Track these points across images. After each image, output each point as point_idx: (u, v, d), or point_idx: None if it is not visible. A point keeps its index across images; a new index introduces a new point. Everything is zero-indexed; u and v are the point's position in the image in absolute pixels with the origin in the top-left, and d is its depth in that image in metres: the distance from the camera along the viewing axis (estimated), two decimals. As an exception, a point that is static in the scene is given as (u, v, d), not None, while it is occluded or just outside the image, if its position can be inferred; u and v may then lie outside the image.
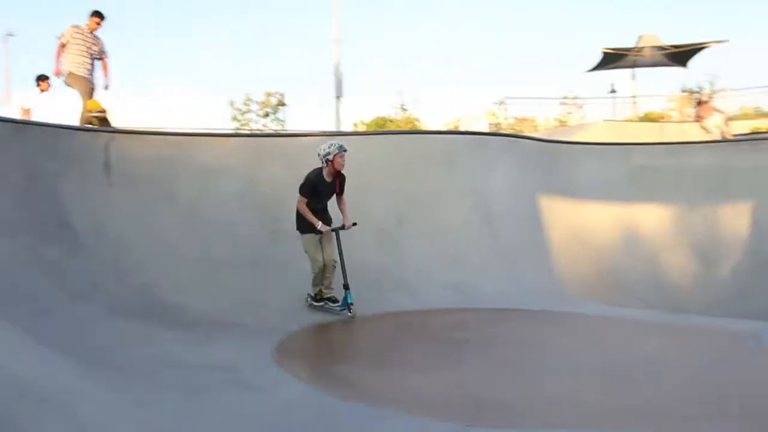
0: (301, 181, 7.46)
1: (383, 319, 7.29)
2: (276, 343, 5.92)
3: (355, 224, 7.50)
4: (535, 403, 4.40)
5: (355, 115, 43.75)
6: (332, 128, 20.30)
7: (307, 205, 7.32)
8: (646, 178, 12.04)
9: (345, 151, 7.31)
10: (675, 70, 33.05)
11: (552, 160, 11.34)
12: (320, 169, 7.40)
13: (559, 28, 73.37)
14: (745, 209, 11.79)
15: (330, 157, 7.26)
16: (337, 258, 7.45)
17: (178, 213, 8.17)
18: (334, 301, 7.45)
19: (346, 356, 6.00)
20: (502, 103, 32.47)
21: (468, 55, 69.59)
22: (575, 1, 72.46)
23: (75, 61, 9.51)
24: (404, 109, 40.73)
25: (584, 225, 11.35)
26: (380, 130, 28.99)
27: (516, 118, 34.09)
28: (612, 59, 31.08)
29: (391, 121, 40.50)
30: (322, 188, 7.44)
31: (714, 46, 30.25)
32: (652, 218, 11.83)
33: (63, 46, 9.50)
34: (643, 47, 30.73)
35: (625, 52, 30.81)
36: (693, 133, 24.67)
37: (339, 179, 7.50)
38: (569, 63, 71.37)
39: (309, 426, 3.93)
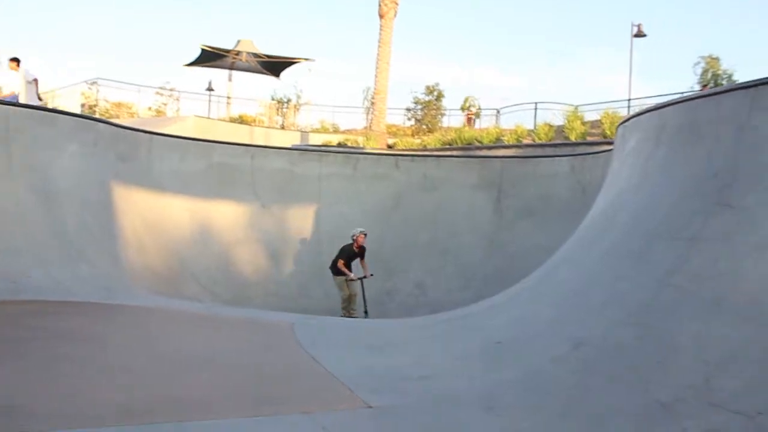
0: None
1: None
2: None
3: (371, 275, 11.53)
4: (67, 404, 4.10)
5: None
6: None
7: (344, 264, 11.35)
8: (225, 175, 12.49)
9: (365, 234, 11.47)
10: (269, 79, 35.01)
11: (130, 148, 10.99)
12: (350, 245, 11.45)
13: (159, 16, 72.21)
14: (310, 213, 12.97)
15: (354, 237, 11.41)
16: (358, 293, 11.30)
17: None
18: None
19: None
20: (94, 83, 30.63)
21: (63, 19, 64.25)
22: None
23: None
24: (-25, 73, 35.86)
25: (160, 217, 11.25)
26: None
27: (112, 102, 32.57)
28: (210, 57, 31.62)
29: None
30: (352, 255, 11.47)
31: (303, 62, 32.84)
32: (227, 214, 12.29)
33: None
34: (240, 51, 31.91)
35: (223, 53, 31.61)
36: (277, 137, 26.46)
37: (361, 249, 11.55)
38: (168, 54, 70.90)
39: None
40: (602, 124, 17.71)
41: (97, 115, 25.39)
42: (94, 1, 71.36)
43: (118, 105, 33.13)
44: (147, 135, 11.73)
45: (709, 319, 4.37)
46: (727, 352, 4.08)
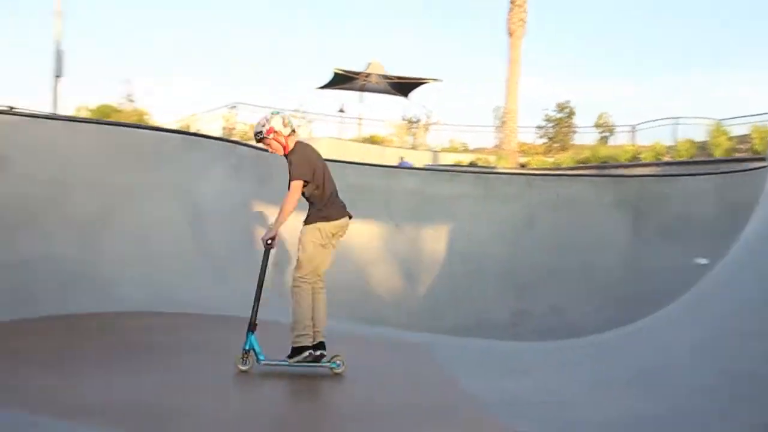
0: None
1: (73, 321, 6.75)
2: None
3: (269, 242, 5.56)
4: (213, 412, 4.35)
5: (78, 100, 40.19)
6: (49, 109, 18.38)
7: None
8: (360, 195, 12.70)
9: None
10: (398, 99, 35.60)
11: (267, 169, 11.45)
12: None
13: (295, 42, 75.14)
14: (442, 233, 12.96)
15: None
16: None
17: None
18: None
19: (22, 360, 5.38)
20: (233, 107, 32.26)
21: (205, 53, 68.27)
22: (313, 17, 74.97)
23: None
24: (131, 100, 38.50)
25: (297, 237, 11.60)
26: (88, 118, 27.08)
27: (248, 124, 34.13)
28: (342, 80, 32.59)
29: (117, 111, 37.98)
30: None
31: (431, 83, 33.17)
32: (362, 234, 12.49)
33: None
34: (370, 73, 32.67)
35: (354, 75, 32.48)
36: (408, 157, 26.71)
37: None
38: (301, 77, 73.63)
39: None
40: (751, 139, 16.64)
41: (236, 138, 26.79)
42: (240, 29, 75.26)
43: (253, 127, 34.64)
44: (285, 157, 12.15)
45: None
46: None
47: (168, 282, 8.30)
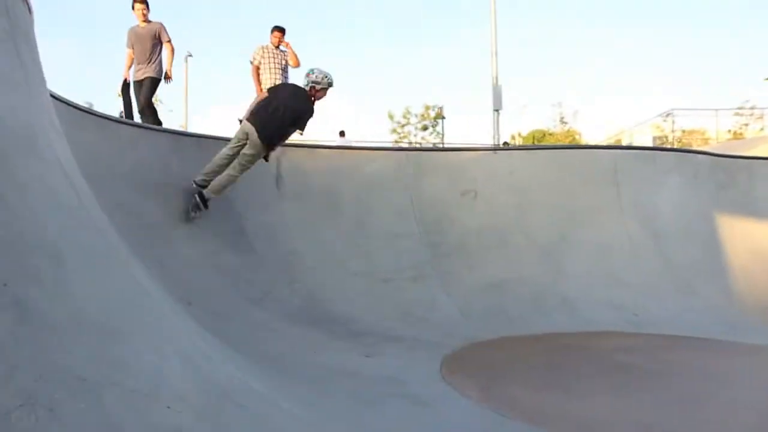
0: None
1: (546, 340, 7.11)
2: (441, 358, 5.93)
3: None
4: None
5: (512, 128, 42.98)
6: (489, 141, 20.13)
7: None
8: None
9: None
10: None
11: (727, 175, 10.60)
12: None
13: (732, 32, 68.40)
14: None
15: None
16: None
17: (344, 225, 8.41)
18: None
19: (510, 376, 5.85)
20: (668, 115, 30.86)
21: (630, 64, 66.78)
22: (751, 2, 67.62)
23: (267, 82, 9.74)
24: (564, 122, 39.69)
25: (766, 245, 10.50)
26: (540, 144, 28.48)
27: (684, 131, 32.34)
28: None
29: (549, 134, 39.59)
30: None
31: None
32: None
33: (257, 68, 10.04)
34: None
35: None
36: None
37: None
38: (745, 70, 66.48)
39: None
40: None
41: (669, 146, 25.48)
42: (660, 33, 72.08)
43: (690, 133, 32.59)
44: (745, 160, 11.18)
45: None
46: None
47: (630, 300, 8.24)
